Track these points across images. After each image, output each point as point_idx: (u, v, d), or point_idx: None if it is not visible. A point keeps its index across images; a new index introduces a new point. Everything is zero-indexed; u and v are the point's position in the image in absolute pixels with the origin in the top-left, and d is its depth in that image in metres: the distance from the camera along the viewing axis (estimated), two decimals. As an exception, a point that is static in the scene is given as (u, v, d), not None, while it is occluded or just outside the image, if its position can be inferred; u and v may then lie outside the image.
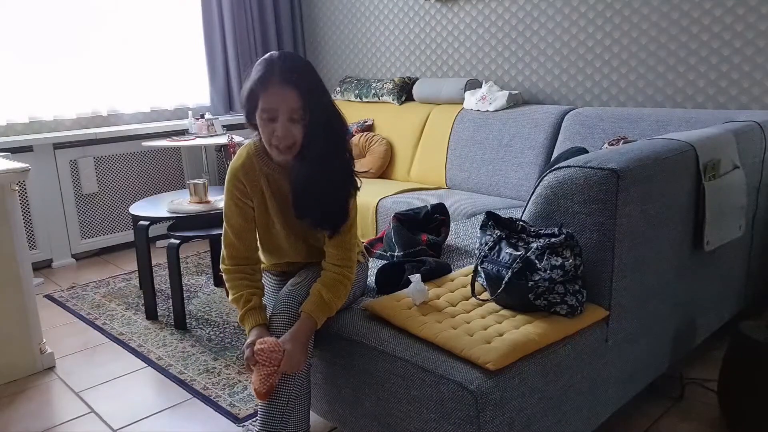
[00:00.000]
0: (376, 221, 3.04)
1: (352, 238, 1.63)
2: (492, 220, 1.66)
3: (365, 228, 3.06)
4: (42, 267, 3.63)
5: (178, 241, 2.65)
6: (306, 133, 1.49)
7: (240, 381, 2.23)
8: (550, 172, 1.66)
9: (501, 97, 3.26)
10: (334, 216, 1.58)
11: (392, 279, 1.79)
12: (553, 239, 1.51)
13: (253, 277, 1.64)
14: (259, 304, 1.60)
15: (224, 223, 1.63)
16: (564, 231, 1.52)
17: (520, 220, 1.66)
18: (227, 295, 1.65)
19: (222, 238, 1.65)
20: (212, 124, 3.93)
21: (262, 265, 1.80)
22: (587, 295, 1.58)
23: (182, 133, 4.03)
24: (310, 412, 1.60)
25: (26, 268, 2.33)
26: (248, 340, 1.52)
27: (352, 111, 4.03)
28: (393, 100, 3.84)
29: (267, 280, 1.77)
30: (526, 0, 3.33)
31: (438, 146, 3.44)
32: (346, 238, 1.61)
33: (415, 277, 1.63)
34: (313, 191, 1.54)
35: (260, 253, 1.77)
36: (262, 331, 1.55)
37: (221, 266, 1.65)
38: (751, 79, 2.65)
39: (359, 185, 1.63)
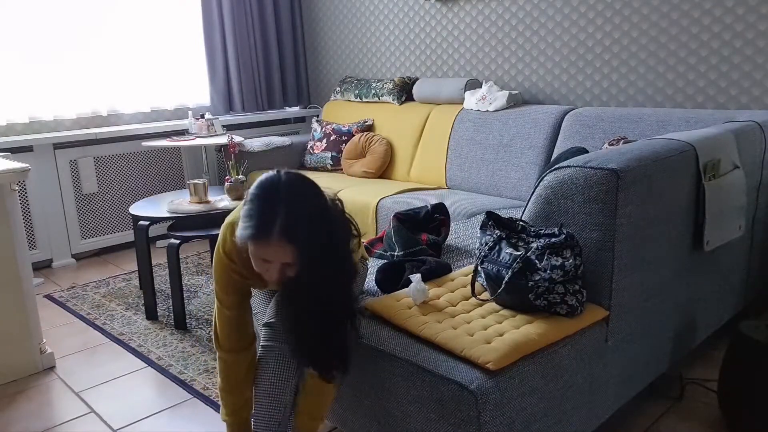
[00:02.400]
0: (376, 221, 3.04)
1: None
2: (492, 220, 1.66)
3: (365, 228, 3.06)
4: (42, 267, 3.63)
5: (178, 241, 2.65)
6: (301, 275, 1.35)
7: (240, 381, 2.23)
8: (550, 172, 1.66)
9: (501, 97, 3.26)
10: (323, 354, 1.45)
11: (392, 279, 1.79)
12: (553, 239, 1.51)
13: (248, 371, 1.56)
14: (248, 415, 1.57)
15: (217, 304, 1.54)
16: (564, 231, 1.52)
17: (520, 220, 1.66)
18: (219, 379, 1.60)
19: (216, 318, 1.56)
20: (212, 124, 3.93)
21: None
22: (587, 295, 1.58)
23: (182, 133, 4.03)
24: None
25: (26, 268, 2.33)
26: None
27: (352, 111, 4.03)
28: (393, 100, 3.84)
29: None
30: (526, 0, 3.33)
31: (438, 146, 3.44)
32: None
33: (415, 277, 1.62)
34: (302, 314, 1.41)
35: None
36: None
37: (215, 347, 1.57)
38: (751, 79, 2.65)
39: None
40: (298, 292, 1.40)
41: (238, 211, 1.41)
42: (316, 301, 1.39)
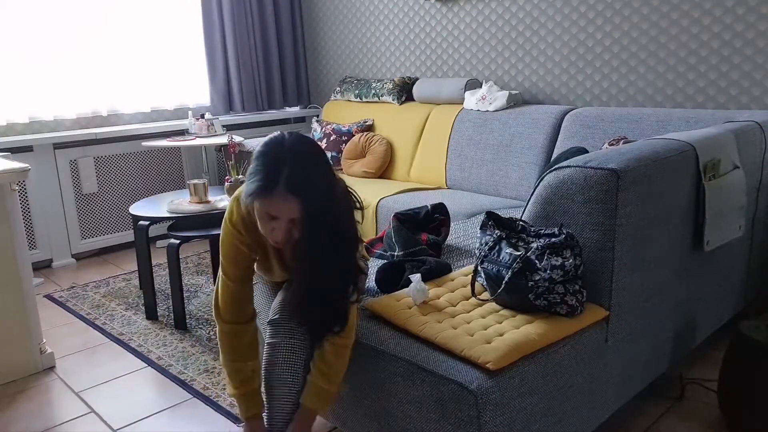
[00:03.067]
0: (376, 221, 3.04)
1: (354, 308, 1.53)
2: (492, 220, 1.66)
3: (365, 228, 3.06)
4: (42, 267, 3.63)
5: (178, 241, 2.65)
6: (306, 234, 1.38)
7: (240, 381, 2.23)
8: (550, 172, 1.66)
9: (501, 97, 3.26)
10: (331, 317, 1.47)
11: (392, 279, 1.79)
12: (553, 239, 1.51)
13: (251, 342, 1.58)
14: (259, 385, 1.56)
15: (221, 275, 1.55)
16: (564, 231, 1.52)
17: (520, 220, 1.66)
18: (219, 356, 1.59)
19: (218, 289, 1.57)
20: (212, 124, 3.93)
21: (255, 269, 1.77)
22: (587, 295, 1.58)
23: (182, 133, 4.03)
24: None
25: (26, 268, 2.33)
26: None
27: (352, 111, 4.03)
28: (393, 100, 3.84)
29: (261, 283, 1.77)
30: (526, 0, 3.33)
31: (438, 146, 3.44)
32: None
33: (416, 277, 1.62)
34: (311, 276, 1.44)
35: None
36: (259, 425, 1.53)
37: (215, 317, 1.58)
38: (751, 79, 2.65)
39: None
40: (303, 254, 1.42)
41: (243, 189, 1.45)
42: (321, 262, 1.40)
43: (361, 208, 1.52)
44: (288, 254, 1.53)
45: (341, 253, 1.44)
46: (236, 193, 1.52)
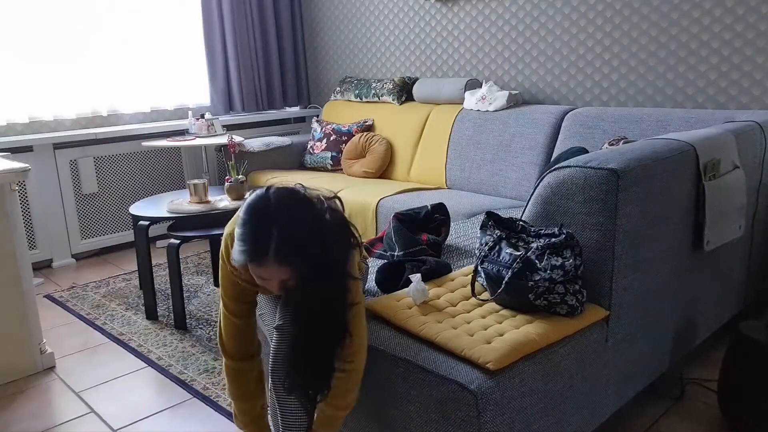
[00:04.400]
0: (376, 221, 3.04)
1: (358, 325, 1.45)
2: (492, 220, 1.66)
3: (365, 228, 3.06)
4: (42, 267, 3.63)
5: (178, 241, 2.65)
6: (300, 291, 1.33)
7: (240, 381, 2.23)
8: (550, 172, 1.66)
9: (501, 97, 3.26)
10: (319, 376, 1.42)
11: (392, 279, 1.79)
12: (553, 239, 1.51)
13: (259, 379, 1.57)
14: (266, 419, 1.57)
15: (223, 310, 1.52)
16: (564, 231, 1.52)
17: (520, 220, 1.66)
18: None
19: (221, 325, 1.53)
20: (212, 124, 3.93)
21: None
22: (587, 295, 1.58)
23: (182, 133, 4.03)
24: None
25: (26, 268, 2.33)
26: None
27: (352, 111, 4.03)
28: (393, 100, 3.84)
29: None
30: (526, 0, 3.33)
31: (438, 146, 3.44)
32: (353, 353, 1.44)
33: (416, 277, 1.62)
34: (302, 328, 1.40)
35: None
36: None
37: (222, 352, 1.55)
38: (751, 79, 2.65)
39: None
40: (300, 303, 1.38)
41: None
42: (316, 313, 1.36)
43: (359, 244, 1.45)
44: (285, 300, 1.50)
45: (337, 304, 1.37)
46: (229, 228, 1.45)
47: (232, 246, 1.35)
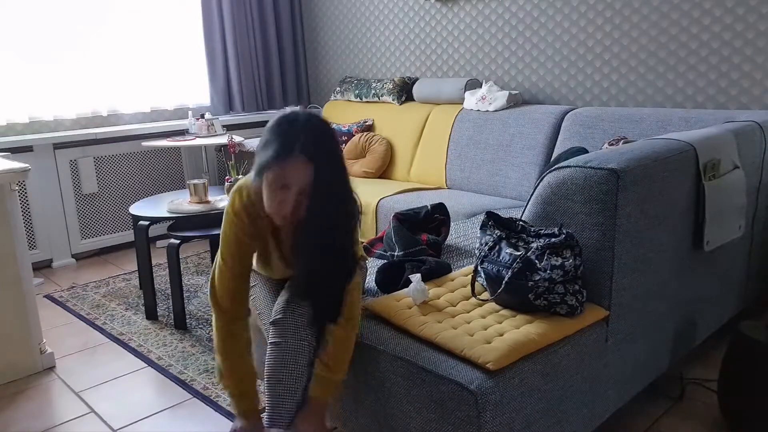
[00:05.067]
0: (376, 221, 3.04)
1: (356, 294, 1.56)
2: (492, 220, 1.66)
3: (365, 228, 3.06)
4: (42, 267, 3.63)
5: (178, 241, 2.65)
6: (311, 210, 1.41)
7: (240, 381, 2.23)
8: (550, 172, 1.66)
9: (501, 97, 3.26)
10: (327, 302, 1.51)
11: (392, 279, 1.79)
12: (553, 239, 1.51)
13: (247, 341, 1.58)
14: (253, 385, 1.58)
15: (220, 265, 1.55)
16: (564, 231, 1.52)
17: (520, 220, 1.66)
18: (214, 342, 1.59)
19: (215, 279, 1.57)
20: (212, 124, 3.94)
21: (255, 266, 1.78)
22: (587, 295, 1.58)
23: (182, 133, 4.03)
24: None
25: (26, 268, 2.33)
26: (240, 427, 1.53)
27: (352, 111, 4.03)
28: (393, 100, 3.84)
29: (262, 284, 1.77)
30: (526, 0, 3.33)
31: (438, 146, 3.44)
32: (349, 290, 1.54)
33: (415, 277, 1.62)
34: (310, 259, 1.47)
35: (255, 264, 1.74)
36: (253, 420, 1.53)
37: (213, 306, 1.58)
38: (751, 79, 2.65)
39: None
40: (307, 233, 1.44)
41: (245, 180, 1.51)
42: (325, 238, 1.44)
43: (360, 213, 1.54)
44: (290, 237, 1.53)
45: (343, 234, 1.48)
46: (236, 186, 1.54)
47: (239, 197, 1.49)
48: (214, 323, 1.59)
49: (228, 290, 1.56)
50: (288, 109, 1.46)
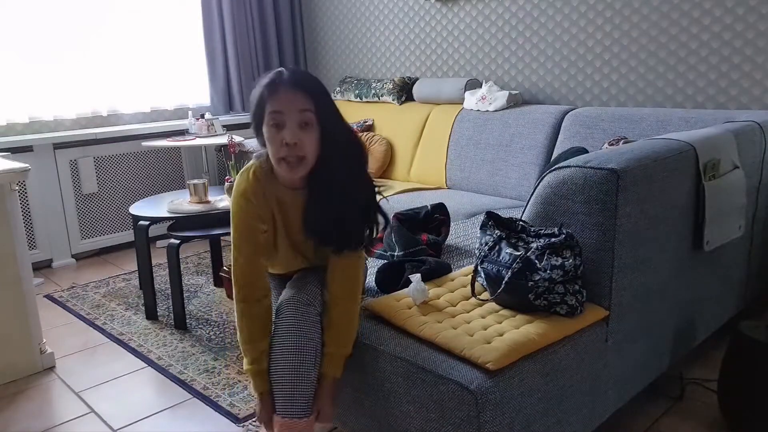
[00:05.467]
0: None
1: (359, 268, 1.58)
2: (492, 220, 1.66)
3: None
4: (42, 267, 3.63)
5: (178, 241, 2.65)
6: (319, 148, 1.43)
7: (240, 381, 2.23)
8: (550, 172, 1.66)
9: (501, 97, 3.26)
10: (347, 238, 1.53)
11: (392, 279, 1.79)
12: (553, 239, 1.51)
13: (266, 323, 1.58)
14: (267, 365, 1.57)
15: (234, 252, 1.56)
16: (564, 231, 1.52)
17: (520, 220, 1.66)
18: (237, 332, 1.60)
19: (232, 267, 1.58)
20: (212, 124, 3.94)
21: None
22: (587, 295, 1.58)
23: (182, 133, 4.03)
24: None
25: (26, 268, 2.33)
26: (263, 410, 1.53)
27: (352, 111, 4.03)
28: (393, 100, 3.84)
29: None
30: (526, 0, 3.33)
31: (438, 146, 3.44)
32: (352, 264, 1.56)
33: (415, 277, 1.62)
34: (328, 215, 1.48)
35: None
36: (271, 403, 1.53)
37: (233, 295, 1.59)
38: (751, 79, 2.65)
39: (384, 222, 1.60)
40: (318, 181, 1.47)
41: (248, 164, 1.55)
42: (340, 185, 1.46)
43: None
44: (301, 202, 1.54)
45: (359, 174, 1.50)
46: (240, 172, 1.57)
47: (244, 178, 1.52)
48: (234, 306, 1.60)
49: (243, 273, 1.56)
50: None
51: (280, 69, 1.46)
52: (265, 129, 1.44)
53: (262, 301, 1.58)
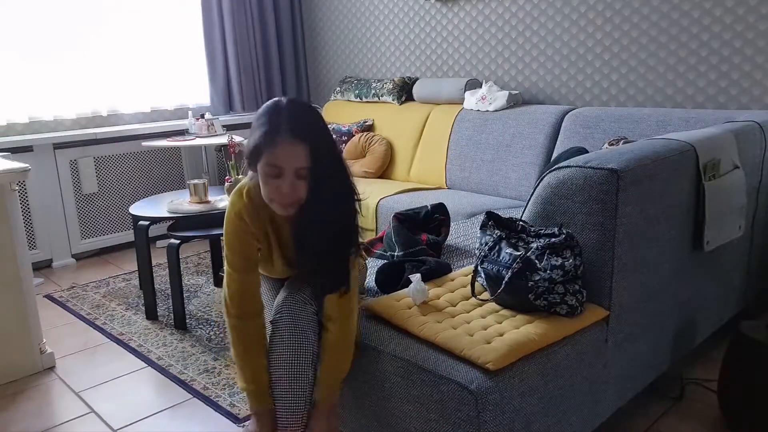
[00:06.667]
0: (376, 221, 3.04)
1: (352, 303, 1.55)
2: (492, 220, 1.66)
3: (365, 228, 3.06)
4: (42, 267, 3.63)
5: (178, 241, 2.65)
6: (311, 189, 1.43)
7: (240, 381, 2.23)
8: (550, 172, 1.66)
9: (501, 97, 3.26)
10: (334, 272, 1.51)
11: (392, 279, 1.79)
12: (553, 239, 1.51)
13: (260, 338, 1.57)
14: (266, 386, 1.55)
15: (228, 269, 1.55)
16: (564, 231, 1.52)
17: (520, 220, 1.66)
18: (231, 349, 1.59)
19: (225, 284, 1.57)
20: (212, 124, 3.93)
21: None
22: (587, 295, 1.58)
23: (182, 133, 4.03)
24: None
25: (26, 268, 2.33)
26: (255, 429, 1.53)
27: (352, 111, 4.03)
28: (393, 100, 3.84)
29: (262, 282, 1.76)
30: (526, 0, 3.33)
31: (438, 146, 3.44)
32: (344, 302, 1.53)
33: (415, 277, 1.62)
34: (315, 244, 1.48)
35: None
36: (267, 420, 1.53)
37: (225, 311, 1.58)
38: (751, 79, 2.65)
39: (362, 245, 1.59)
40: (310, 216, 1.46)
41: (244, 181, 1.54)
42: (327, 216, 1.46)
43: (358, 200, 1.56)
44: (291, 228, 1.54)
45: (344, 205, 1.50)
46: (235, 188, 1.55)
47: (238, 198, 1.51)
48: (227, 328, 1.59)
49: (236, 289, 1.56)
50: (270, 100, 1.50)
51: (278, 108, 1.42)
52: (260, 170, 1.42)
53: (255, 320, 1.58)
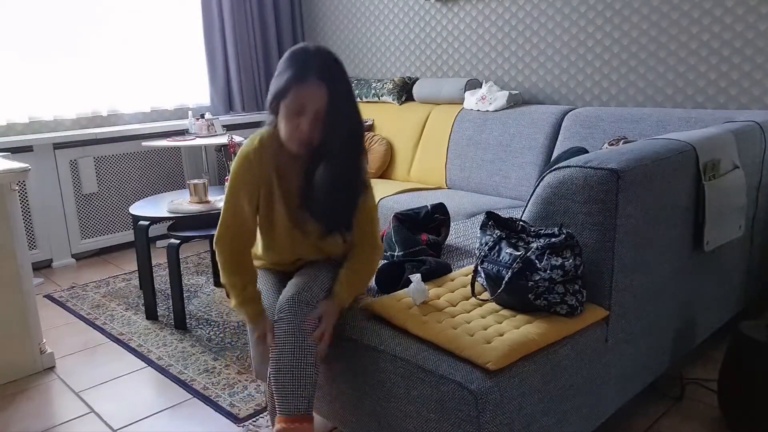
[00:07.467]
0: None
1: (375, 227, 1.69)
2: (492, 220, 1.66)
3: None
4: (42, 267, 3.63)
5: (178, 241, 2.65)
6: (326, 133, 1.52)
7: (240, 381, 2.23)
8: (550, 172, 1.66)
9: (501, 97, 3.26)
10: (339, 214, 1.61)
11: (392, 279, 1.79)
12: (553, 239, 1.51)
13: (247, 263, 1.66)
14: (255, 294, 1.64)
15: (225, 203, 1.63)
16: (564, 231, 1.52)
17: (520, 220, 1.66)
18: (222, 281, 1.66)
19: (221, 216, 1.64)
20: (212, 124, 3.93)
21: (260, 262, 1.80)
22: (587, 295, 1.58)
23: (182, 133, 4.03)
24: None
25: (26, 268, 2.33)
26: (257, 330, 1.60)
27: (352, 111, 4.02)
28: (393, 100, 3.84)
29: (265, 280, 1.76)
30: (526, 0, 3.33)
31: (438, 146, 3.44)
32: (370, 228, 1.68)
33: (416, 277, 1.62)
34: (324, 188, 1.56)
35: (259, 250, 1.77)
36: (267, 321, 1.59)
37: (215, 243, 1.65)
38: (751, 79, 2.65)
39: (368, 184, 1.68)
40: (319, 155, 1.55)
41: (261, 130, 1.62)
42: (338, 161, 1.55)
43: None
44: (301, 172, 1.61)
45: (355, 151, 1.60)
46: (251, 136, 1.64)
47: (249, 144, 1.60)
48: (218, 255, 1.64)
49: (231, 224, 1.62)
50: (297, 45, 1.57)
51: (307, 52, 1.50)
52: (283, 109, 1.51)
53: (244, 252, 1.65)
